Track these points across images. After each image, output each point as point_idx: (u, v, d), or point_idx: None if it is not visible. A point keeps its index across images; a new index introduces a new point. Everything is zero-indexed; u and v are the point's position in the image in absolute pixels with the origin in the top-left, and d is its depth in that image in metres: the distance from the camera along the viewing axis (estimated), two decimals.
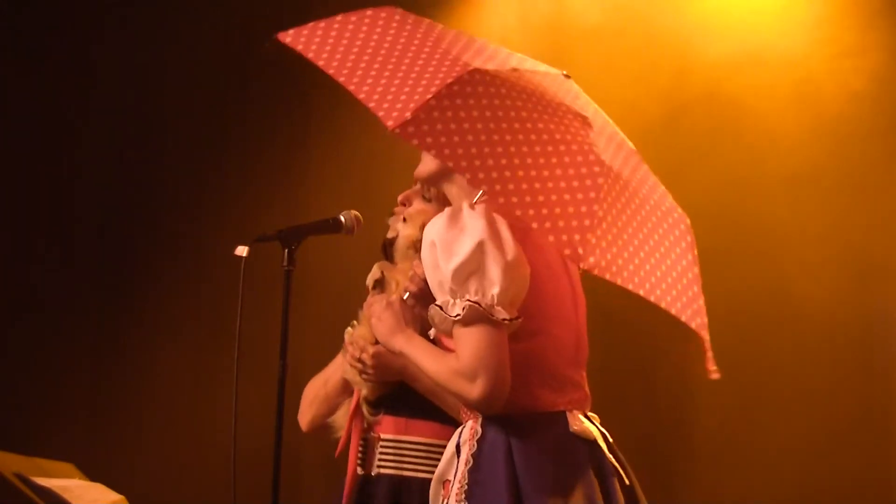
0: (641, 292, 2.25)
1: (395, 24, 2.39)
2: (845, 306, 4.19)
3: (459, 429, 2.38)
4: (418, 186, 3.00)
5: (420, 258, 2.53)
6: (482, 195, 2.33)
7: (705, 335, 2.30)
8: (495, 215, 2.28)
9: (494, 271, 2.23)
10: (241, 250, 2.84)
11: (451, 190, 2.47)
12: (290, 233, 2.89)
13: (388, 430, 2.87)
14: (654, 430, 4.25)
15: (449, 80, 2.22)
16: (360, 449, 2.89)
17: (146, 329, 5.15)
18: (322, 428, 3.02)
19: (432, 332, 2.41)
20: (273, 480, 2.78)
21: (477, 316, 2.23)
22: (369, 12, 2.42)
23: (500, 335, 2.24)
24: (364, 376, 2.86)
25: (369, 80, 2.25)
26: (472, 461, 2.30)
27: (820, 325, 4.19)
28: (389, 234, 3.03)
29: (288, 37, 2.44)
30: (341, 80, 2.27)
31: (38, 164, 5.37)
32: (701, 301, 2.32)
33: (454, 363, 2.26)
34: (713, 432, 4.28)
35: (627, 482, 2.36)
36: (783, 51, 4.38)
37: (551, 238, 2.18)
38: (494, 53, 2.41)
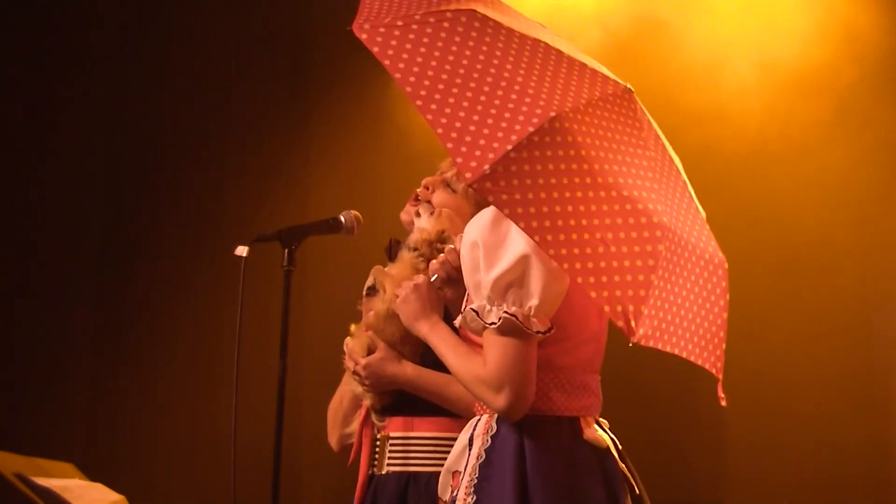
0: (676, 351, 2.26)
1: (474, 34, 2.31)
2: (849, 306, 4.19)
3: (473, 422, 2.39)
4: (445, 175, 2.99)
5: (453, 245, 2.52)
6: None
7: (719, 374, 2.32)
8: None
9: (535, 284, 2.23)
10: (241, 250, 2.84)
11: None
12: (290, 233, 2.89)
13: (396, 428, 2.87)
14: (658, 435, 4.24)
15: (530, 129, 2.17)
16: (372, 451, 2.90)
17: (146, 329, 5.15)
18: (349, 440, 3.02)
19: (458, 322, 2.41)
20: (273, 480, 2.78)
21: (512, 328, 2.23)
22: (449, 14, 2.33)
23: (530, 348, 2.25)
24: (364, 387, 2.86)
25: (447, 111, 2.18)
26: (483, 455, 2.30)
27: (825, 328, 4.19)
28: (403, 216, 3.00)
29: (364, 33, 2.32)
30: (417, 103, 2.21)
31: (38, 162, 5.37)
32: (723, 346, 2.32)
33: (480, 369, 2.27)
34: (715, 437, 4.28)
35: (637, 491, 2.36)
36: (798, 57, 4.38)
37: (607, 308, 2.16)
38: (569, 70, 2.34)
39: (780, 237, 4.27)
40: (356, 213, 3.00)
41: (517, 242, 2.24)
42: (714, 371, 2.32)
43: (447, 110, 2.18)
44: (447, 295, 2.52)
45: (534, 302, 2.23)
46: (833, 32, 4.32)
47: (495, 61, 2.27)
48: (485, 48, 2.29)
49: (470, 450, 2.34)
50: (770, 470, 4.20)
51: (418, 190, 3.01)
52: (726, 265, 2.38)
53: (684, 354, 2.27)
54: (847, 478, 4.07)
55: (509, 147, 2.14)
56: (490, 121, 2.18)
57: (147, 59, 5.35)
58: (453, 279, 2.51)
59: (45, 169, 5.35)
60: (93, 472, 3.34)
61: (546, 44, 2.39)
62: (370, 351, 2.85)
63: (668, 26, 4.51)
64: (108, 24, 5.39)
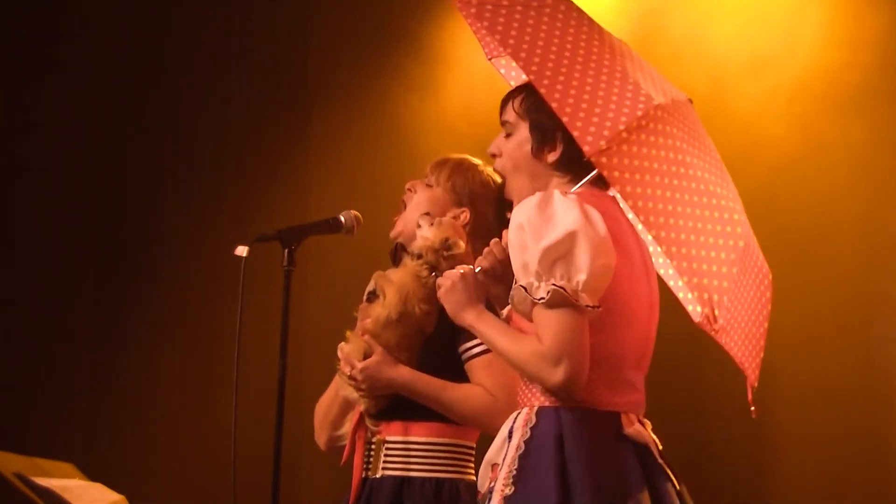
0: (732, 352, 2.34)
1: (573, 23, 2.37)
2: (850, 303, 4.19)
3: (513, 415, 2.38)
4: (423, 177, 3.01)
5: (498, 238, 2.53)
6: (579, 188, 2.36)
7: (754, 383, 2.40)
8: (588, 206, 2.28)
9: (582, 259, 2.23)
10: (241, 250, 2.84)
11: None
12: (290, 233, 2.89)
13: (393, 432, 2.87)
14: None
15: (638, 113, 2.25)
16: (367, 454, 2.89)
17: (146, 329, 5.16)
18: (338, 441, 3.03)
19: (505, 311, 2.41)
20: (273, 481, 2.78)
21: (561, 300, 2.22)
22: (549, 1, 2.39)
23: (582, 321, 2.24)
24: (359, 392, 2.86)
25: (559, 87, 2.24)
26: (523, 447, 2.29)
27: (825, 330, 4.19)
28: (392, 234, 3.02)
29: (472, 7, 2.36)
30: (531, 77, 2.26)
31: (38, 161, 5.37)
32: (762, 354, 2.40)
33: (536, 346, 2.25)
34: (714, 437, 4.28)
35: (678, 487, 2.36)
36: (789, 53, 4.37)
37: (694, 294, 2.24)
38: (650, 72, 2.42)
39: (782, 237, 4.27)
40: (356, 213, 3.00)
41: (564, 220, 2.24)
42: (752, 378, 2.38)
43: (559, 86, 2.24)
44: (491, 291, 2.51)
45: (581, 276, 2.23)
46: (840, 33, 4.31)
47: (595, 49, 2.34)
48: (584, 36, 2.35)
49: (509, 441, 2.33)
50: (770, 469, 4.20)
51: (404, 196, 3.03)
52: (770, 276, 2.45)
53: (737, 359, 2.35)
54: (847, 477, 4.07)
55: (621, 127, 2.22)
56: (600, 101, 2.24)
57: (147, 59, 5.35)
58: (497, 273, 2.50)
59: (45, 169, 5.35)
60: (93, 472, 3.34)
61: (628, 46, 2.47)
62: (366, 356, 2.85)
63: (668, 31, 4.50)
64: (108, 23, 5.40)
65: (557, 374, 2.23)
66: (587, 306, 2.23)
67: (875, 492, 4.05)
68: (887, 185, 4.18)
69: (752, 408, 2.38)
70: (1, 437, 4.52)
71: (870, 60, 4.25)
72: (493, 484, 2.32)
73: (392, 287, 2.85)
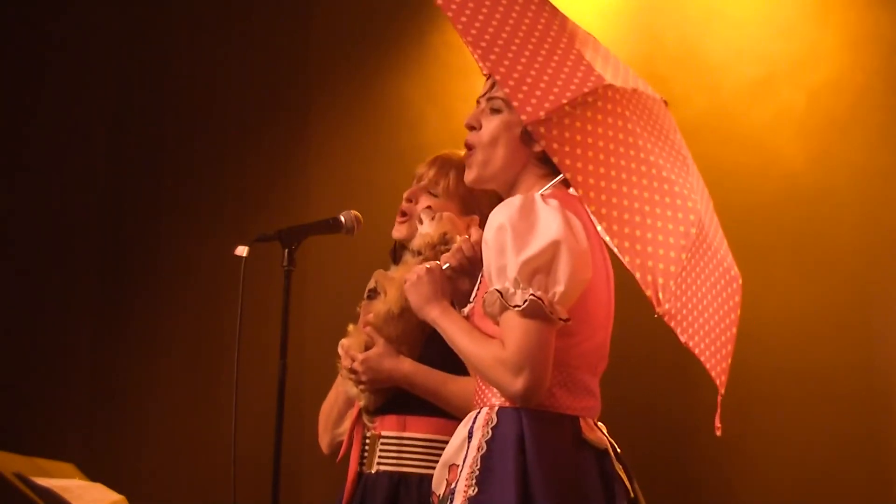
0: (690, 344, 2.32)
1: (533, 7, 2.38)
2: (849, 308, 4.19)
3: (472, 415, 2.37)
4: (424, 182, 3.00)
5: (467, 235, 2.52)
6: (549, 187, 2.35)
7: (722, 387, 2.37)
8: (569, 213, 2.27)
9: (562, 272, 2.22)
10: (241, 250, 2.84)
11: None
12: (290, 233, 2.89)
13: (388, 427, 2.86)
14: (660, 437, 4.25)
15: (585, 90, 2.24)
16: (363, 449, 2.89)
17: (146, 329, 5.15)
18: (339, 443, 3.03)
19: (466, 310, 2.40)
20: (273, 481, 2.78)
21: (536, 311, 2.21)
22: None
23: (550, 333, 2.23)
24: (360, 386, 2.86)
25: (506, 62, 2.25)
26: (485, 447, 2.28)
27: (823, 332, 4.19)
28: (395, 234, 3.02)
29: None
30: (477, 52, 2.28)
31: (38, 161, 5.37)
32: (729, 360, 2.37)
33: (499, 351, 2.25)
34: (712, 436, 4.27)
35: (632, 495, 2.35)
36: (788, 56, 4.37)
37: (637, 275, 2.22)
38: (616, 64, 2.42)
39: (782, 237, 4.27)
40: (356, 213, 3.00)
41: (548, 228, 2.23)
42: (717, 383, 2.35)
43: (506, 62, 2.25)
44: (458, 286, 2.51)
45: (559, 289, 2.22)
46: (843, 36, 4.31)
47: (551, 33, 2.34)
48: (543, 20, 2.37)
49: (470, 442, 2.32)
50: (769, 469, 4.20)
51: (403, 206, 3.02)
52: (740, 280, 2.42)
53: (696, 351, 2.32)
54: (847, 477, 4.07)
55: (564, 101, 2.22)
56: (546, 77, 2.25)
57: (146, 59, 5.35)
58: (465, 270, 2.49)
59: (44, 168, 5.35)
60: (93, 472, 3.34)
61: (595, 38, 2.47)
62: (367, 348, 2.86)
63: (666, 33, 4.50)
64: (108, 23, 5.39)
65: (517, 384, 2.23)
66: (560, 319, 2.23)
67: (875, 492, 4.05)
68: (887, 186, 4.18)
69: (718, 426, 2.37)
70: (1, 437, 4.52)
71: (871, 62, 4.25)
72: (453, 485, 2.31)
73: (393, 284, 2.86)
